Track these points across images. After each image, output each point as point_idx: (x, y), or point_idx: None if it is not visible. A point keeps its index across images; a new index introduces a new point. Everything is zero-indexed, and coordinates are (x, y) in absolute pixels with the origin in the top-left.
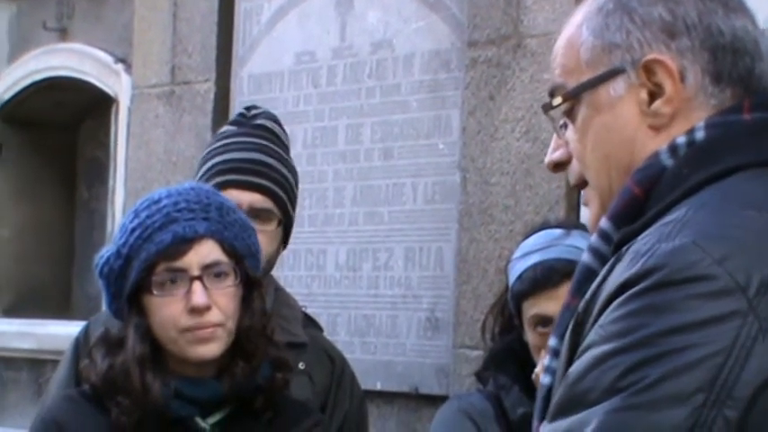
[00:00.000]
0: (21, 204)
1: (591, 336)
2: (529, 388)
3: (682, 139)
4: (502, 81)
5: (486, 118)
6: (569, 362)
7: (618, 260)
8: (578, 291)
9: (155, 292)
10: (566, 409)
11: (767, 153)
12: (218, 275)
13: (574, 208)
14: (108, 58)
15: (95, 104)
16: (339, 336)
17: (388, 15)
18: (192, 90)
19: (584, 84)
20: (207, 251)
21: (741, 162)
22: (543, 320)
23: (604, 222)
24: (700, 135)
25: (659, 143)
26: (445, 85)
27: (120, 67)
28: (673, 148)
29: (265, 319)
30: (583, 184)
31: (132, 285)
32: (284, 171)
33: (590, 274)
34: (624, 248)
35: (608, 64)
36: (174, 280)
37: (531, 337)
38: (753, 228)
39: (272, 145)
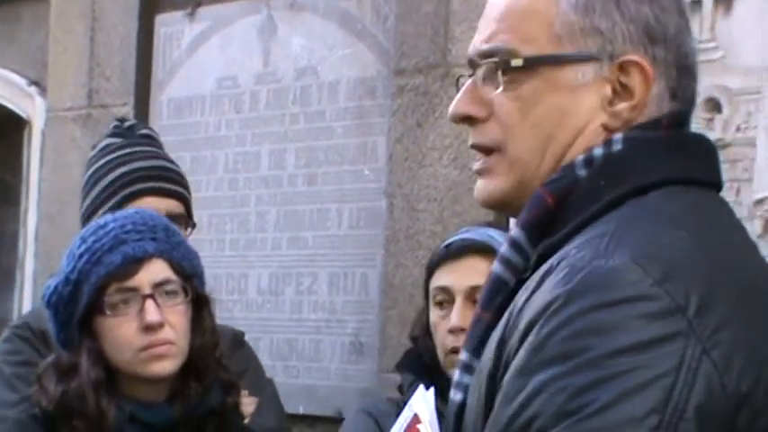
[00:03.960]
0: None
1: (524, 357)
2: (433, 383)
3: (599, 151)
4: (429, 109)
5: (413, 145)
6: (493, 377)
7: (547, 274)
8: (489, 303)
9: (107, 312)
10: None
11: (683, 171)
12: (169, 293)
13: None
14: (21, 81)
15: (4, 127)
16: (261, 360)
17: (312, 42)
18: (110, 114)
19: (550, 56)
20: (157, 270)
21: (658, 179)
22: (443, 290)
23: (516, 232)
24: (617, 147)
25: (600, 142)
26: (371, 112)
27: (33, 89)
28: (588, 160)
29: (215, 337)
30: (488, 149)
31: (83, 309)
32: (184, 176)
33: (501, 284)
34: (555, 260)
35: (582, 46)
36: (127, 300)
37: (431, 314)
38: (685, 248)
39: (164, 152)
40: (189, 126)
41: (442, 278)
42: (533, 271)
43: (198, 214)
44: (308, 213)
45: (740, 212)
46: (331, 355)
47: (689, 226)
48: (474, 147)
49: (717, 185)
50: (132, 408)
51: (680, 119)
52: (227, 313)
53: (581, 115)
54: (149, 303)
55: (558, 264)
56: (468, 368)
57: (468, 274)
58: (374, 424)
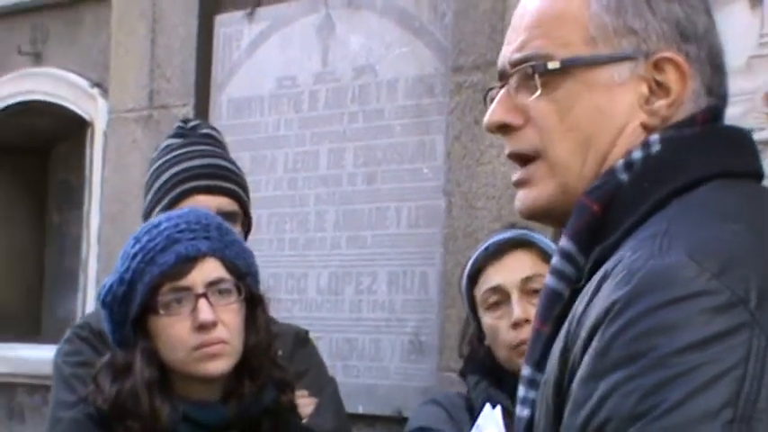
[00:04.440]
0: None
1: (590, 363)
2: (498, 382)
3: (638, 154)
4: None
5: (471, 143)
6: (559, 387)
7: (604, 279)
8: (547, 316)
9: (161, 312)
10: None
11: (725, 165)
12: (222, 292)
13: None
14: (83, 83)
15: (68, 129)
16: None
17: (370, 41)
18: (171, 114)
19: (587, 58)
20: (210, 269)
21: (701, 174)
22: (495, 290)
23: (566, 242)
24: (655, 148)
25: (639, 143)
26: (429, 110)
27: (95, 91)
28: (629, 164)
29: (270, 336)
30: (527, 157)
31: (137, 309)
32: (242, 174)
33: (556, 297)
34: (610, 265)
35: (617, 47)
36: (180, 299)
37: (486, 319)
38: (739, 241)
39: (224, 151)
40: (248, 126)
41: (491, 279)
42: (588, 278)
43: (258, 214)
44: (367, 212)
45: None
46: (391, 355)
47: (740, 218)
48: (511, 156)
49: (758, 175)
50: (186, 407)
51: (714, 114)
52: (286, 313)
53: (619, 115)
54: (202, 302)
55: (614, 268)
56: (532, 383)
57: (517, 268)
58: (445, 413)
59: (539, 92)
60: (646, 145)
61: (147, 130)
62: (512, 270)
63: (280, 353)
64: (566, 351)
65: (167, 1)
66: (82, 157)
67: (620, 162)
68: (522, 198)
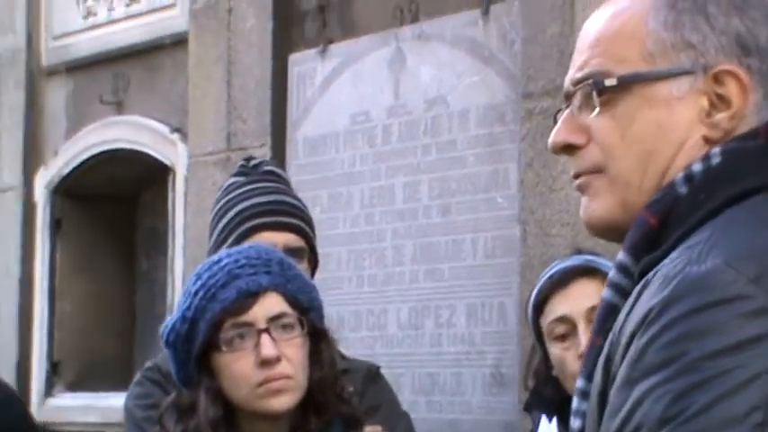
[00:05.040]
0: (81, 277)
1: (626, 369)
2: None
3: (698, 167)
4: None
5: (543, 169)
6: (603, 395)
7: (645, 287)
8: (602, 329)
9: (223, 348)
10: None
11: None
12: (285, 327)
13: None
14: (164, 128)
15: (153, 175)
16: (403, 395)
17: (441, 71)
18: (248, 156)
19: (645, 74)
20: (272, 304)
21: (758, 184)
22: (561, 320)
23: (623, 256)
24: (715, 161)
25: (701, 156)
26: (501, 139)
27: (175, 136)
28: (689, 177)
29: (335, 371)
30: (589, 172)
31: (200, 346)
32: (307, 210)
33: (612, 309)
34: (651, 274)
35: (675, 61)
36: (242, 335)
37: (554, 350)
38: None
39: (287, 188)
40: (324, 163)
41: (557, 309)
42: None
43: (336, 251)
44: (444, 244)
45: None
46: (472, 388)
47: None
48: (576, 176)
49: None
50: None
51: None
52: (368, 350)
53: (679, 129)
54: (265, 338)
55: (654, 276)
56: (584, 394)
57: (582, 297)
58: None
59: (597, 109)
60: (706, 158)
61: (226, 172)
62: (578, 299)
63: (351, 389)
64: (608, 360)
65: (242, 43)
66: (166, 203)
67: (681, 175)
68: (584, 209)
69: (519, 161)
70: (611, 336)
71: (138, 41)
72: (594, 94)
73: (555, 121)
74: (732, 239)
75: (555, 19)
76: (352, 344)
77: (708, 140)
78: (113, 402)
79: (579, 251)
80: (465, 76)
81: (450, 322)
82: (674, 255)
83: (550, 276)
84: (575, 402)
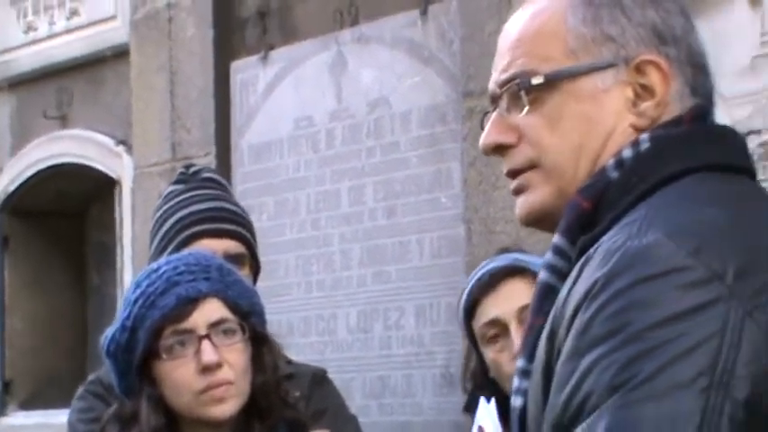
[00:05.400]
0: (31, 294)
1: (572, 341)
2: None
3: (628, 153)
4: None
5: (486, 168)
6: (548, 368)
7: (586, 262)
8: (540, 309)
9: (164, 356)
10: (570, 421)
11: (708, 158)
12: (226, 333)
13: None
14: (108, 141)
15: (99, 188)
16: (354, 399)
17: (382, 73)
18: (189, 163)
19: (569, 70)
20: (212, 309)
21: (686, 166)
22: (493, 323)
23: (557, 239)
24: (644, 146)
25: (630, 141)
26: (443, 139)
27: (120, 148)
28: (619, 162)
29: (278, 375)
30: (522, 169)
31: (141, 355)
32: (247, 216)
33: (549, 290)
34: (591, 250)
35: (597, 55)
36: (183, 342)
37: (488, 353)
38: (716, 222)
39: (227, 194)
40: (270, 170)
41: (488, 311)
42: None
43: (284, 257)
44: (390, 247)
45: None
46: (423, 390)
47: (718, 202)
48: (509, 174)
49: (748, 171)
50: None
51: (700, 112)
52: (318, 355)
53: (607, 119)
54: (206, 344)
55: (596, 251)
56: (525, 373)
57: (512, 298)
58: None
59: (527, 108)
60: (636, 143)
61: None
62: (507, 300)
63: (296, 394)
64: (552, 334)
65: (184, 52)
66: (113, 216)
67: (611, 161)
68: (521, 204)
69: (461, 160)
70: (553, 310)
71: (79, 54)
72: (523, 93)
73: (482, 126)
74: (670, 216)
75: (492, 17)
76: (302, 349)
77: (636, 128)
78: (65, 419)
79: (506, 250)
80: (406, 77)
81: (399, 324)
82: (612, 231)
83: (479, 279)
84: (515, 381)
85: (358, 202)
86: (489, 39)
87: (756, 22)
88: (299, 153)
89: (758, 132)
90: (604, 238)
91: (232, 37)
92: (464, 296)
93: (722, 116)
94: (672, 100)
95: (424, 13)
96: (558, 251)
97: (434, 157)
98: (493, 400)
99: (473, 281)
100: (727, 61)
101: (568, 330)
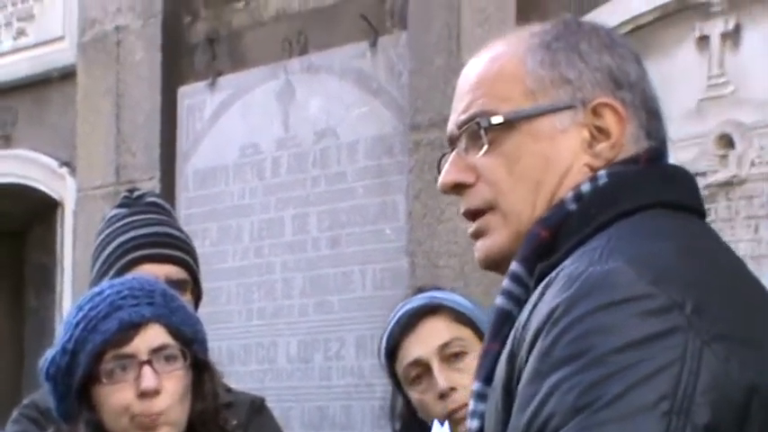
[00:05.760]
0: None
1: (534, 364)
2: None
3: (586, 187)
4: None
5: (431, 201)
6: (507, 390)
7: (548, 286)
8: (497, 334)
9: (104, 380)
10: None
11: (662, 196)
12: (167, 359)
13: None
14: (52, 162)
15: (41, 210)
16: (293, 429)
17: (330, 103)
18: (133, 187)
19: (529, 111)
20: (154, 335)
21: (643, 202)
22: (415, 363)
23: (515, 266)
24: (602, 181)
25: (586, 180)
26: (390, 170)
27: (64, 170)
28: (578, 196)
29: (217, 403)
30: (480, 211)
31: (80, 379)
32: (190, 242)
33: (506, 316)
34: (553, 274)
35: (555, 97)
36: (124, 367)
37: (413, 394)
38: (673, 255)
39: (171, 219)
40: (214, 196)
41: (409, 353)
42: (533, 292)
43: (226, 284)
44: (333, 277)
45: (759, 250)
46: (362, 421)
47: (675, 237)
48: (466, 213)
49: (699, 211)
50: None
51: (655, 154)
52: (258, 383)
53: (564, 159)
54: (146, 369)
55: (557, 276)
56: (481, 396)
57: (431, 337)
58: None
59: (485, 147)
60: (594, 179)
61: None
62: (427, 339)
63: (234, 422)
64: (512, 356)
65: (131, 76)
66: (54, 238)
67: (570, 194)
68: (479, 248)
69: (407, 193)
70: (513, 332)
71: (26, 75)
72: (482, 132)
73: (439, 168)
74: (630, 245)
75: (441, 51)
76: (242, 377)
77: (591, 168)
78: None
79: (421, 289)
80: (354, 107)
81: (340, 355)
82: (573, 257)
83: (398, 321)
84: (471, 405)
85: (302, 231)
86: (438, 72)
87: (703, 66)
88: (245, 180)
89: (703, 174)
90: (566, 263)
91: (180, 62)
92: (384, 339)
93: (668, 158)
94: (627, 142)
95: (373, 44)
96: (515, 278)
97: (380, 189)
98: (446, 422)
99: (392, 323)
100: (673, 104)
101: (529, 352)
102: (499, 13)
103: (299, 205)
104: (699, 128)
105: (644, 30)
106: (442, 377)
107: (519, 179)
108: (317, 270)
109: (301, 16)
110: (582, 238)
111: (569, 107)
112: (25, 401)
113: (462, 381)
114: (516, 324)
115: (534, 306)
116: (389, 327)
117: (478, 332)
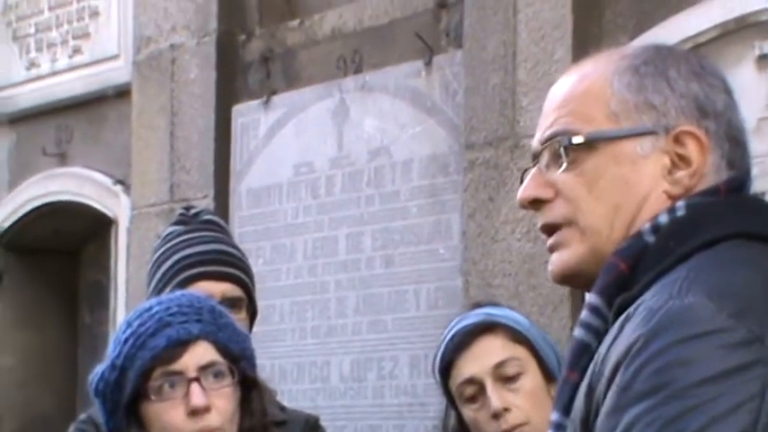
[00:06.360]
0: (23, 331)
1: (614, 397)
2: None
3: (664, 218)
4: (500, 182)
5: (486, 220)
6: (585, 424)
7: (627, 320)
8: (575, 365)
9: (152, 397)
10: None
11: (742, 227)
12: (216, 376)
13: (579, 306)
14: (107, 180)
15: (96, 228)
16: None
17: (384, 122)
18: (188, 204)
19: (610, 133)
20: (202, 352)
21: (723, 233)
22: (469, 382)
23: (593, 298)
24: (680, 213)
25: (665, 209)
26: (444, 189)
27: (118, 188)
28: (655, 227)
29: (266, 420)
30: (557, 225)
31: (129, 396)
32: (246, 260)
33: (584, 348)
34: (632, 309)
35: (638, 121)
36: (172, 384)
37: (466, 412)
38: (752, 287)
39: (227, 237)
40: (268, 215)
41: (463, 371)
42: (612, 324)
43: (279, 303)
44: (387, 296)
45: None
46: None
47: (755, 268)
48: (543, 228)
49: None
50: None
51: (736, 185)
52: (310, 402)
53: (644, 184)
54: (195, 387)
55: (636, 310)
56: (559, 427)
57: (486, 355)
58: None
59: (565, 165)
60: (672, 210)
61: (169, 224)
62: (482, 358)
63: None
64: (590, 390)
65: (186, 94)
66: (108, 256)
67: (647, 225)
68: (555, 261)
69: (461, 212)
70: (591, 366)
71: (81, 93)
72: (563, 150)
73: (522, 180)
74: (710, 278)
75: (497, 70)
76: (295, 396)
77: (669, 195)
78: None
79: (478, 305)
80: (408, 126)
81: (393, 374)
82: (652, 291)
83: (452, 338)
84: None
85: (356, 250)
86: (493, 91)
87: (762, 84)
88: (298, 199)
89: (763, 195)
90: (645, 296)
91: (235, 80)
92: (438, 356)
93: (750, 188)
94: (708, 172)
95: (428, 63)
96: (593, 310)
97: (434, 208)
98: None
99: (446, 340)
100: None
101: (608, 386)
102: (555, 31)
103: (352, 224)
104: (759, 147)
105: (703, 48)
106: (495, 397)
107: (598, 198)
108: (370, 289)
109: (356, 35)
110: (661, 270)
111: (652, 133)
112: (82, 416)
113: (516, 401)
114: (595, 358)
115: (614, 340)
116: (444, 343)
117: (534, 351)
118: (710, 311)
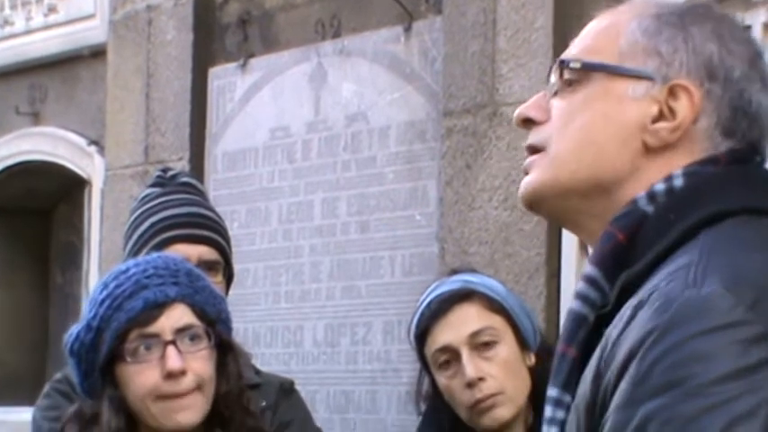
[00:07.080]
0: None
1: (629, 388)
2: None
3: (660, 186)
4: (478, 150)
5: (463, 187)
6: (592, 408)
7: (639, 307)
8: (572, 338)
9: (128, 359)
10: None
11: (747, 201)
12: (192, 339)
13: (554, 275)
14: (81, 141)
15: (69, 188)
16: (318, 413)
17: (362, 88)
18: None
19: (609, 66)
20: (179, 315)
21: (727, 208)
22: (444, 349)
23: (590, 269)
24: (678, 182)
25: (637, 163)
26: (421, 156)
27: (93, 149)
28: (651, 195)
29: (241, 384)
30: (538, 149)
31: (105, 357)
32: (223, 223)
33: (581, 320)
34: (645, 293)
35: (640, 64)
36: (148, 346)
37: (440, 379)
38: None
39: (204, 200)
40: (243, 178)
41: (439, 338)
42: (617, 304)
43: (253, 267)
44: (361, 261)
45: None
46: (387, 406)
47: (765, 248)
48: (528, 147)
49: None
50: None
51: (739, 156)
52: (283, 366)
53: (623, 127)
54: (171, 349)
55: (650, 296)
56: (559, 403)
57: (462, 324)
58: None
59: (558, 89)
60: (668, 178)
61: (144, 186)
62: (458, 327)
63: (262, 404)
64: (597, 377)
65: (162, 55)
66: (82, 217)
67: (643, 194)
68: (522, 184)
69: (438, 179)
70: (598, 351)
71: (55, 52)
72: (560, 75)
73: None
74: (724, 263)
75: (476, 37)
76: (268, 360)
77: (646, 148)
78: (25, 417)
79: (455, 271)
80: (386, 92)
81: (366, 340)
82: (663, 273)
83: (428, 305)
84: (548, 411)
85: (331, 215)
86: (472, 58)
87: None
88: (274, 163)
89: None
90: (656, 280)
91: (212, 43)
92: (414, 323)
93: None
94: (700, 137)
95: (407, 29)
96: (590, 281)
97: (411, 174)
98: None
99: (423, 307)
100: None
101: (620, 375)
102: None
103: (328, 189)
104: None
105: None
106: (470, 366)
107: (575, 130)
108: (345, 254)
109: None
110: (666, 247)
111: (649, 78)
112: (57, 375)
113: (491, 370)
114: (603, 342)
115: (625, 326)
116: (420, 310)
117: (510, 320)
118: (728, 303)
